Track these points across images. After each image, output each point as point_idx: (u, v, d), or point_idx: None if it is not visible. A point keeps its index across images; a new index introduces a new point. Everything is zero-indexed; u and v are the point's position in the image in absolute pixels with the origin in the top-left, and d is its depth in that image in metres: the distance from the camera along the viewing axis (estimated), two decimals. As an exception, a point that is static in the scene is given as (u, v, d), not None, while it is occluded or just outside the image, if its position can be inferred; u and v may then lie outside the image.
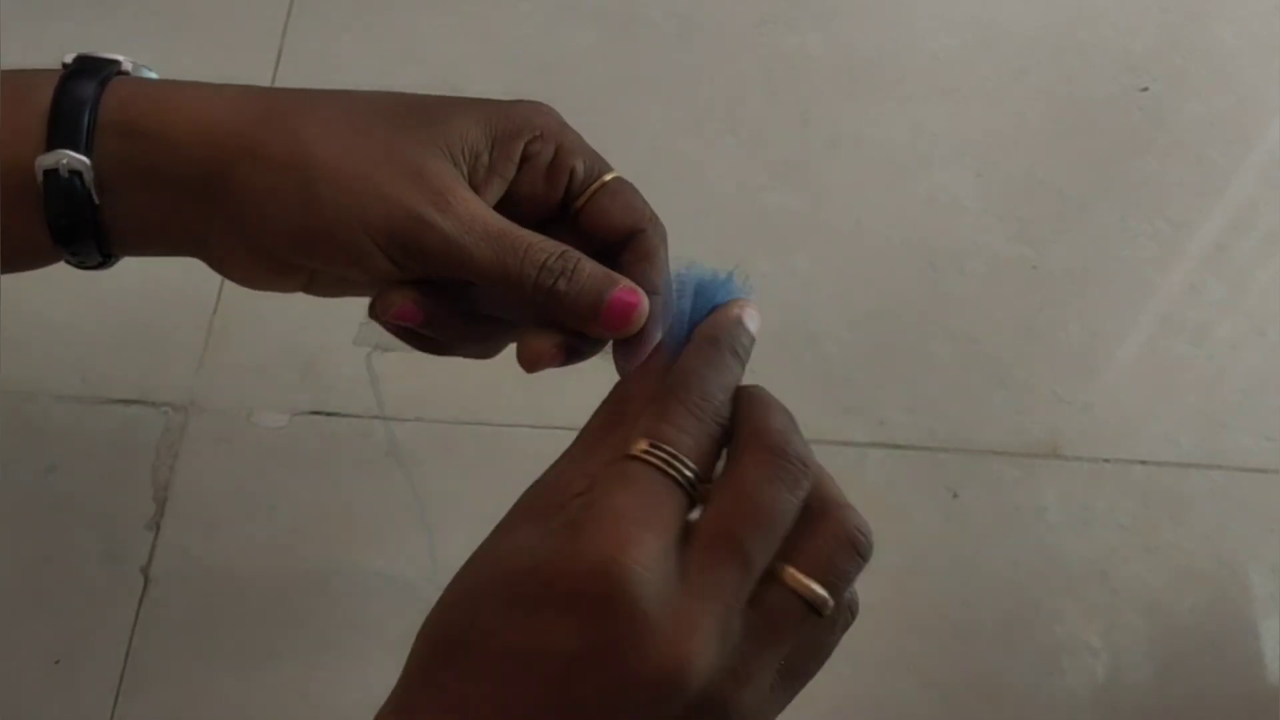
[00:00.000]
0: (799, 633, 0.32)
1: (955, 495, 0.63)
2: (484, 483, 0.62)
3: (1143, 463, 0.64)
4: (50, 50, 0.76)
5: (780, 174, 0.73)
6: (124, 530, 0.60)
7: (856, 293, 0.69)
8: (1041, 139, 0.75)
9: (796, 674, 0.32)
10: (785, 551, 0.31)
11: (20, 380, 0.64)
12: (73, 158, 0.36)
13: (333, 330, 0.65)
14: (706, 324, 0.35)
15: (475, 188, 0.38)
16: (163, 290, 0.66)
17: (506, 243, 0.36)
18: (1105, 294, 0.69)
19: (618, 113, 0.74)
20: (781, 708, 0.32)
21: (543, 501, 0.32)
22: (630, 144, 0.73)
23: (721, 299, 0.36)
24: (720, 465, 0.33)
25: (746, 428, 0.32)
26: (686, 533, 0.31)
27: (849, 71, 0.77)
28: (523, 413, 0.63)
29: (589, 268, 0.37)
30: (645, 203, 0.40)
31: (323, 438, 0.63)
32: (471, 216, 0.36)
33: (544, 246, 0.37)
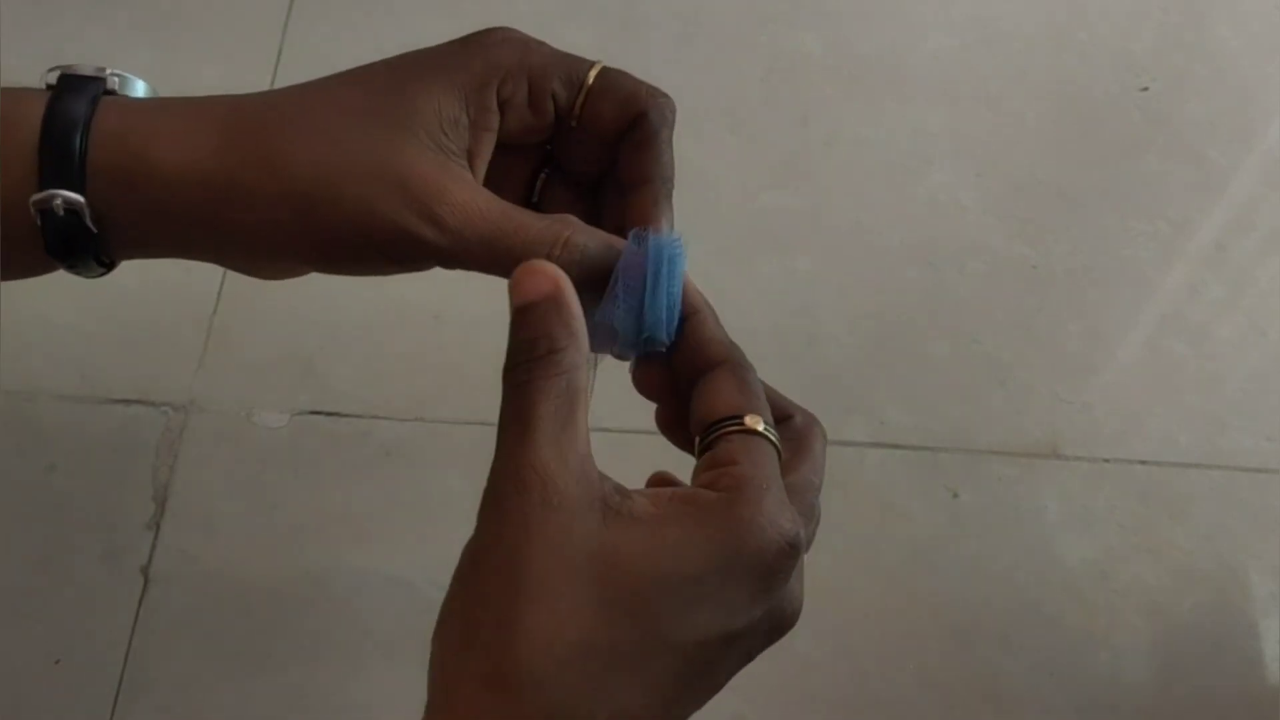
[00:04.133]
0: None
1: (955, 495, 0.63)
2: (484, 483, 0.62)
3: (1143, 463, 0.64)
4: (49, 49, 0.76)
5: (780, 174, 0.73)
6: (124, 530, 0.60)
7: (856, 293, 0.69)
8: (1041, 139, 0.75)
9: None
10: None
11: (20, 380, 0.64)
12: (67, 197, 0.35)
13: (333, 330, 0.66)
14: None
15: (468, 152, 0.37)
16: (163, 290, 0.66)
17: (502, 244, 0.36)
18: (1105, 294, 0.69)
19: (618, 113, 0.74)
20: None
21: (580, 492, 0.32)
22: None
23: (672, 260, 0.37)
24: None
25: (801, 416, 0.38)
26: None
27: (849, 71, 0.77)
28: (523, 413, 0.63)
29: (591, 248, 0.36)
30: (637, 83, 0.39)
31: (323, 438, 0.63)
32: (462, 220, 0.36)
33: (542, 240, 0.36)
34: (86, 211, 0.36)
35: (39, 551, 0.59)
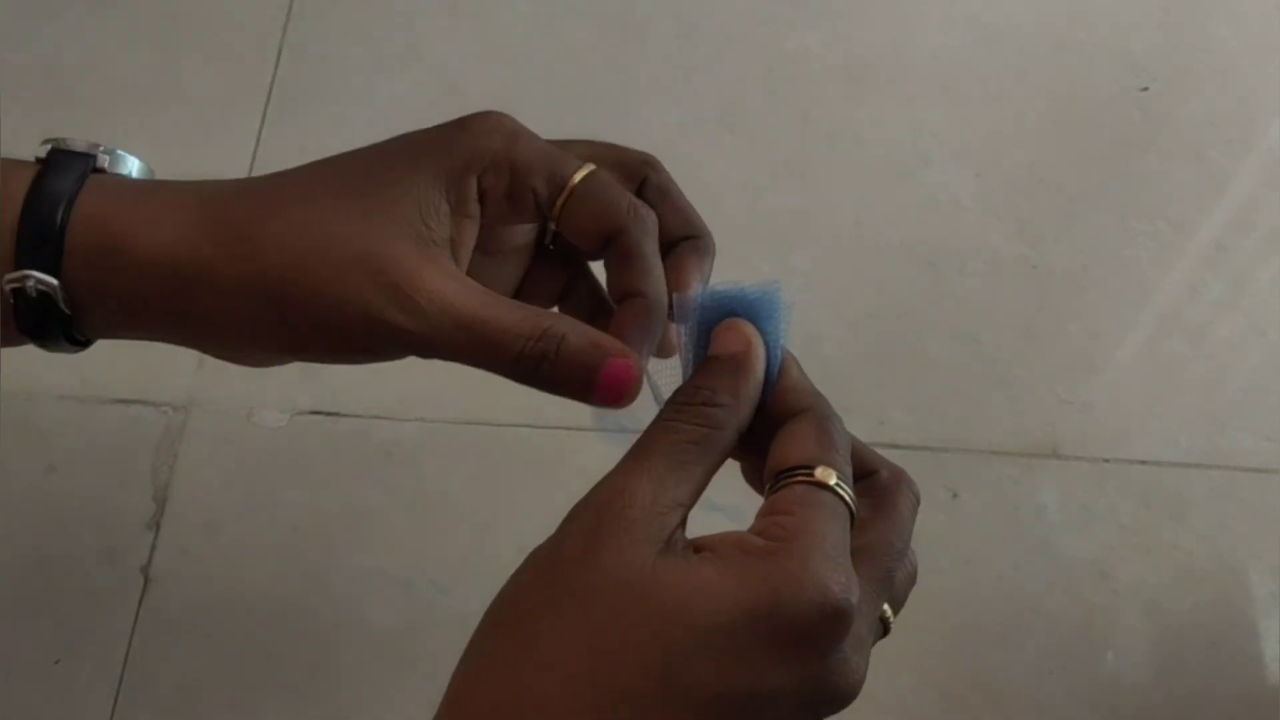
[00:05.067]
0: None
1: (955, 495, 0.63)
2: (484, 483, 0.62)
3: (1143, 463, 0.64)
4: (49, 50, 0.76)
5: (780, 174, 0.73)
6: (124, 530, 0.60)
7: (856, 293, 0.69)
8: (1041, 139, 0.75)
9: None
10: None
11: (20, 380, 0.64)
12: (39, 279, 0.35)
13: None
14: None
15: (451, 240, 0.36)
16: (163, 290, 0.66)
17: (477, 330, 0.35)
18: (1105, 294, 0.69)
19: (618, 112, 0.74)
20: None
21: (650, 526, 0.31)
22: (630, 144, 0.73)
23: (770, 310, 0.36)
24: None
25: (889, 472, 0.36)
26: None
27: (849, 71, 0.77)
28: (523, 413, 0.63)
29: (574, 342, 0.35)
30: (621, 194, 0.38)
31: (323, 438, 0.63)
32: (437, 307, 0.34)
33: (520, 330, 0.35)
34: (59, 295, 0.35)
35: (39, 551, 0.59)
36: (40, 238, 0.35)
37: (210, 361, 0.66)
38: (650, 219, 0.38)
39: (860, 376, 0.66)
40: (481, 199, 0.37)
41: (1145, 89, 0.77)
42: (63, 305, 0.36)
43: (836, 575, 0.30)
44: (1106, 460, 0.64)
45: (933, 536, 0.62)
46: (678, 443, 0.33)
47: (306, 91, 0.75)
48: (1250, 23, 0.79)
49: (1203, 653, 0.59)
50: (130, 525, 0.60)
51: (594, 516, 0.31)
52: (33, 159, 0.37)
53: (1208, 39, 0.79)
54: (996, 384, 0.66)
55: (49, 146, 0.37)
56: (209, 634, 0.58)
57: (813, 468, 0.33)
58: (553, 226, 0.38)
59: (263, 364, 0.40)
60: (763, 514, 0.33)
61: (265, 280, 0.35)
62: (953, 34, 0.78)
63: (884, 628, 0.35)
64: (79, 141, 0.37)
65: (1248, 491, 0.63)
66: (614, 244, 0.37)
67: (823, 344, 0.67)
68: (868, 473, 0.36)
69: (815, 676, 0.31)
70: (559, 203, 0.37)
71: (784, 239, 0.70)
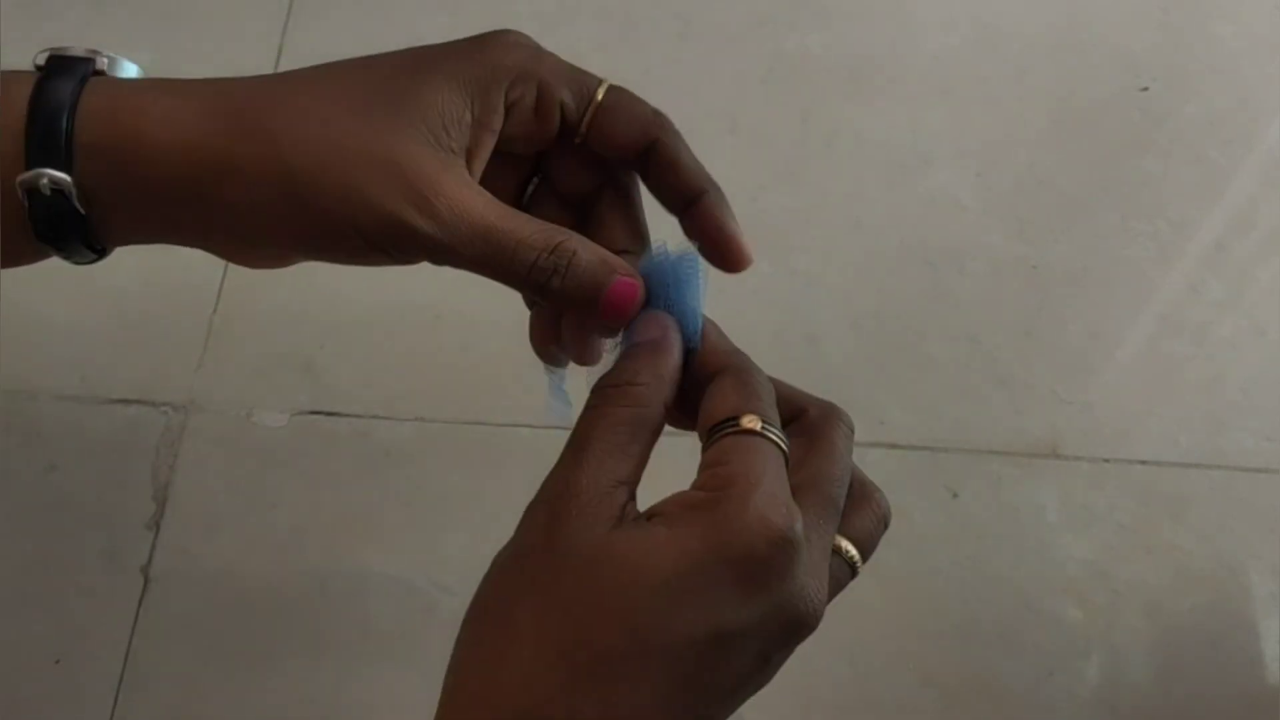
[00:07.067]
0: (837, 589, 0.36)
1: (955, 495, 0.63)
2: (484, 483, 0.62)
3: (1143, 463, 0.64)
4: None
5: (780, 174, 0.73)
6: (124, 530, 0.60)
7: (856, 293, 0.69)
8: (1041, 139, 0.75)
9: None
10: (841, 523, 0.36)
11: (20, 380, 0.64)
12: (54, 176, 0.35)
13: (333, 330, 0.65)
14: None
15: (467, 151, 0.37)
16: (162, 290, 0.66)
17: (494, 240, 0.35)
18: (1105, 294, 0.69)
19: (618, 113, 0.74)
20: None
21: (600, 506, 0.33)
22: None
23: (688, 276, 0.37)
24: None
25: (818, 409, 0.38)
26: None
27: (849, 71, 0.77)
28: (523, 413, 0.63)
29: (585, 258, 0.36)
30: (646, 106, 0.39)
31: (323, 438, 0.63)
32: (457, 214, 0.35)
33: (534, 242, 0.36)
34: (73, 191, 0.35)
35: (39, 551, 0.59)
36: (49, 135, 0.35)
37: (210, 361, 0.66)
38: (672, 125, 0.40)
39: (860, 376, 0.66)
40: (508, 111, 0.38)
41: (1145, 89, 0.77)
42: (77, 203, 0.35)
43: (778, 508, 0.32)
44: (1106, 460, 0.64)
45: (933, 536, 0.62)
46: (610, 426, 0.34)
47: (306, 91, 0.75)
48: (1250, 23, 0.79)
49: (1203, 653, 0.59)
50: (130, 525, 0.60)
51: (547, 510, 0.33)
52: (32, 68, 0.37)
53: (1208, 39, 0.79)
54: (996, 384, 0.66)
55: (47, 54, 0.37)
56: (209, 634, 0.58)
57: (738, 418, 0.35)
58: (578, 140, 0.39)
59: (276, 263, 0.39)
60: (701, 469, 0.35)
61: (283, 174, 0.35)
62: (953, 34, 0.78)
63: (850, 569, 0.36)
64: (77, 47, 0.37)
65: (1248, 491, 0.63)
66: (652, 155, 0.39)
67: (823, 344, 0.67)
68: (798, 413, 0.38)
69: (774, 605, 0.32)
70: (587, 116, 0.38)
71: (784, 239, 0.70)
